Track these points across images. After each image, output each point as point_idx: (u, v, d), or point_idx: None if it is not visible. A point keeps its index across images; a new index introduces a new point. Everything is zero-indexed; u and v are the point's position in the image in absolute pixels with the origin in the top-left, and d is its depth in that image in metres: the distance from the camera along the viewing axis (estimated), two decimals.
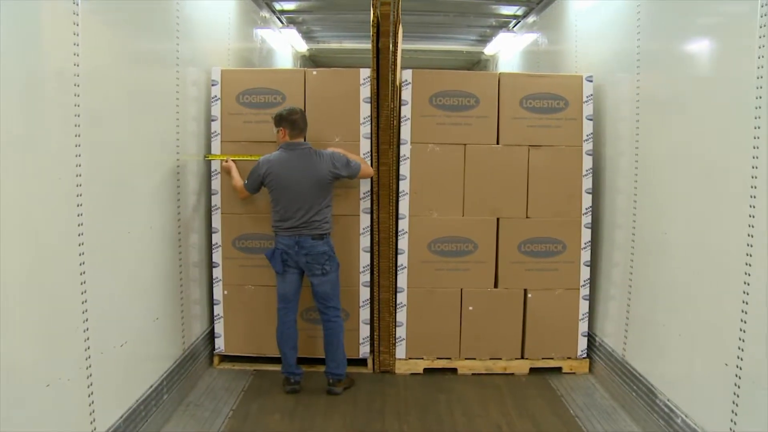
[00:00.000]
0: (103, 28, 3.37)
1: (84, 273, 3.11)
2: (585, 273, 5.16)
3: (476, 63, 11.84)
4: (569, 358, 5.20)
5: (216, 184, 5.08)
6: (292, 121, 4.60)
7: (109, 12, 3.43)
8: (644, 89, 4.42)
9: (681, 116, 3.91)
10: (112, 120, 3.47)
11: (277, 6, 7.92)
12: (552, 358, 5.22)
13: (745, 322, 3.13)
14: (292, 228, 4.59)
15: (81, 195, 3.07)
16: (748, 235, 3.10)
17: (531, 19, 7.80)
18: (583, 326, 5.18)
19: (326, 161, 4.60)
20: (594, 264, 5.19)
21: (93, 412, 3.18)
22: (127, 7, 3.67)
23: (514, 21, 8.46)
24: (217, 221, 5.11)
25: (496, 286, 5.16)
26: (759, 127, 3.03)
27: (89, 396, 3.16)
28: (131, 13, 3.73)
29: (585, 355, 5.21)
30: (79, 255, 3.08)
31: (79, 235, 3.07)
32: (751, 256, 3.09)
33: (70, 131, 3.00)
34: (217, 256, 5.13)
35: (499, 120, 5.07)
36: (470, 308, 5.15)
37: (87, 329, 3.13)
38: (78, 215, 3.06)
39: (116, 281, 3.53)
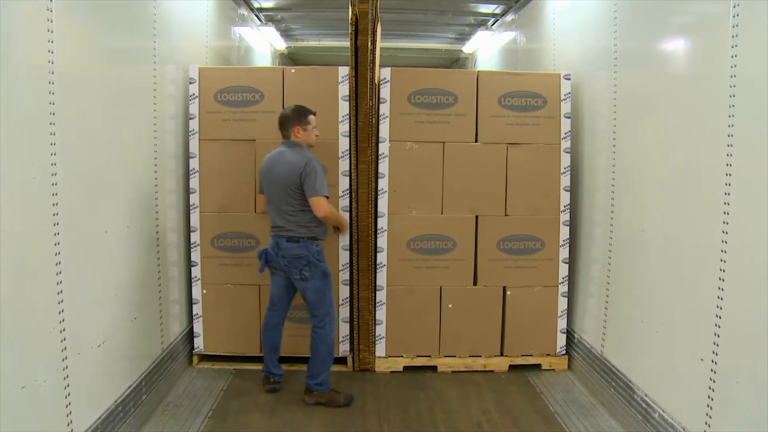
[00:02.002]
0: (78, 24, 3.33)
1: (60, 273, 3.07)
2: (563, 270, 5.19)
3: (455, 61, 11.86)
4: (548, 354, 5.23)
5: (194, 182, 5.05)
6: (278, 120, 4.55)
7: (84, 9, 3.39)
8: (621, 87, 4.46)
9: (657, 114, 3.95)
10: (89, 118, 3.43)
11: (256, 3, 7.89)
12: (531, 355, 5.25)
13: (720, 318, 3.17)
14: (273, 228, 4.54)
15: (57, 194, 3.04)
16: (723, 232, 3.13)
17: (509, 17, 7.83)
18: (561, 323, 5.22)
19: (300, 165, 4.34)
20: (572, 261, 5.22)
21: (70, 413, 3.15)
22: (103, 4, 3.63)
23: (492, 19, 8.49)
24: (195, 220, 5.08)
25: (475, 283, 5.18)
26: (732, 125, 3.06)
27: (66, 397, 3.13)
28: (107, 11, 3.69)
29: (564, 352, 5.25)
30: (55, 255, 3.05)
31: (55, 234, 3.04)
32: (725, 252, 3.13)
33: (44, 129, 2.97)
34: (195, 255, 5.10)
35: (478, 118, 5.09)
36: (450, 306, 5.17)
37: (63, 330, 3.10)
38: (54, 215, 3.03)
39: (93, 281, 3.50)
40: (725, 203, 3.12)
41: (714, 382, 3.21)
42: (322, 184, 4.36)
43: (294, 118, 4.49)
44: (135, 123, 4.18)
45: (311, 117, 4.51)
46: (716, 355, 3.19)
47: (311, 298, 4.53)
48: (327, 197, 4.38)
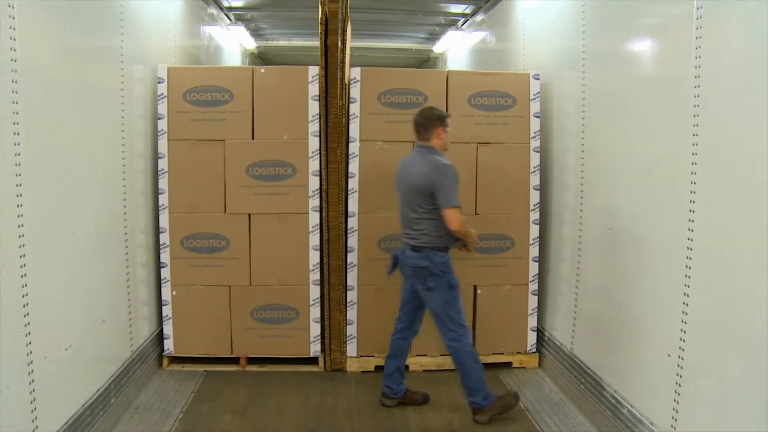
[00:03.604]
0: (42, 24, 3.28)
1: (25, 276, 3.02)
2: (534, 268, 5.23)
3: (425, 61, 11.88)
4: (519, 353, 5.27)
5: (163, 183, 5.00)
6: (417, 121, 4.30)
7: (47, 8, 3.33)
8: (589, 87, 4.50)
9: (625, 114, 3.99)
10: (54, 118, 3.38)
11: (225, 2, 7.83)
12: (502, 353, 5.28)
13: (686, 314, 3.21)
14: (403, 233, 4.37)
15: (21, 195, 2.99)
16: (689, 230, 3.18)
17: (479, 17, 7.87)
18: (532, 321, 5.26)
19: (432, 169, 4.10)
20: (542, 260, 5.26)
21: (35, 419, 3.10)
22: (67, 3, 3.58)
23: (462, 19, 8.52)
24: (164, 221, 5.03)
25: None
26: (697, 125, 3.11)
27: (31, 402, 3.08)
28: (71, 10, 3.63)
29: (534, 350, 5.29)
30: (20, 257, 2.99)
31: (19, 236, 2.99)
32: (691, 249, 3.17)
33: (7, 128, 2.91)
34: (165, 256, 5.05)
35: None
36: None
37: (29, 333, 3.05)
38: (18, 216, 2.98)
39: (60, 283, 3.45)
40: (691, 201, 3.16)
41: (681, 377, 3.26)
42: (456, 194, 4.11)
43: (437, 119, 4.25)
44: (102, 123, 4.13)
45: (448, 119, 4.31)
46: (683, 351, 3.24)
47: (436, 310, 4.29)
48: (459, 208, 4.13)
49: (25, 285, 3.03)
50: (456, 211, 4.08)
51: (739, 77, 2.87)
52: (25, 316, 3.03)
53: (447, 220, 4.10)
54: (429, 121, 4.24)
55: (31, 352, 3.07)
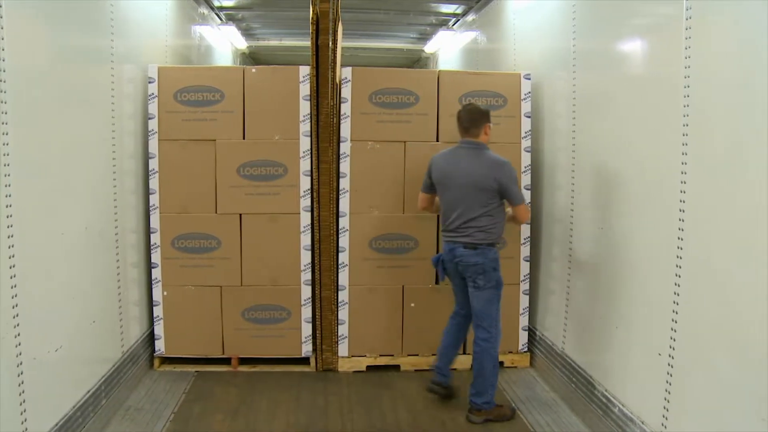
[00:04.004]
0: (30, 23, 3.26)
1: (14, 276, 3.01)
2: (525, 268, 5.24)
3: (416, 61, 11.89)
4: (510, 352, 5.27)
5: (154, 183, 4.99)
6: (457, 118, 4.33)
7: (36, 8, 3.32)
8: (580, 87, 4.51)
9: (615, 114, 4.01)
10: (44, 118, 3.37)
11: (216, 2, 7.82)
12: None
13: (676, 313, 3.23)
14: (448, 232, 4.33)
15: (10, 195, 2.98)
16: (679, 229, 3.19)
17: (470, 17, 7.88)
18: (523, 320, 5.27)
19: (491, 167, 4.16)
20: (534, 259, 5.27)
21: (25, 420, 3.09)
22: (56, 2, 3.56)
23: (453, 19, 8.53)
24: (155, 221, 5.02)
25: (437, 282, 5.20)
26: (687, 125, 3.12)
27: (21, 404, 3.06)
28: (61, 9, 3.62)
29: (526, 349, 5.30)
30: (9, 258, 2.98)
31: (8, 237, 2.97)
32: (681, 249, 3.18)
33: None
34: (156, 257, 5.04)
35: (439, 117, 5.11)
36: (412, 305, 5.18)
37: (18, 335, 3.04)
38: (7, 216, 2.97)
39: (50, 284, 3.44)
40: (681, 201, 3.17)
41: (671, 376, 3.27)
42: (521, 189, 4.24)
43: (486, 115, 4.30)
44: (92, 123, 4.11)
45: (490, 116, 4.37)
46: (673, 350, 3.25)
47: (479, 308, 4.27)
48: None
49: (15, 286, 3.02)
50: (527, 207, 4.35)
51: (728, 77, 2.88)
52: (14, 317, 3.02)
53: (519, 215, 4.27)
54: (479, 116, 4.27)
55: (20, 353, 3.06)
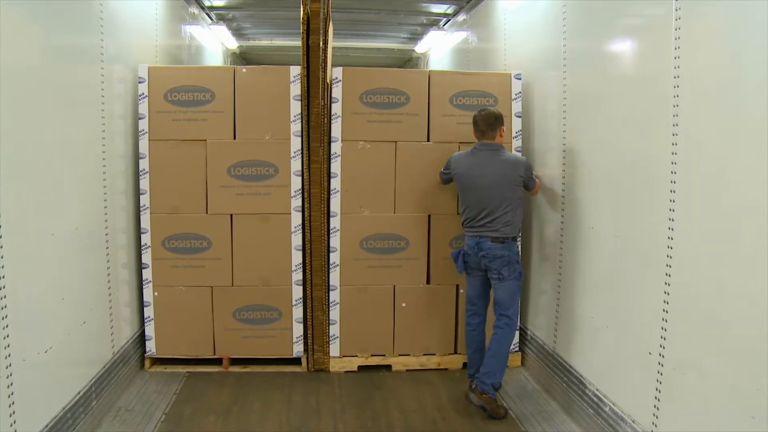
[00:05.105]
0: (18, 21, 3.24)
1: (3, 277, 3.00)
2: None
3: (407, 61, 11.90)
4: None
5: (144, 183, 4.97)
6: (473, 122, 4.57)
7: (25, 7, 3.30)
8: (570, 87, 4.53)
9: (605, 114, 4.02)
10: (33, 118, 3.35)
11: (207, 2, 7.79)
12: None
13: (666, 312, 3.24)
14: (473, 228, 4.54)
15: None
16: (669, 228, 3.20)
17: (461, 17, 7.89)
18: None
19: (514, 165, 4.51)
20: (525, 259, 5.27)
21: (14, 423, 3.07)
22: (46, 1, 3.55)
23: (444, 19, 8.54)
24: (146, 221, 5.00)
25: (428, 282, 5.21)
26: (677, 124, 3.13)
27: (10, 406, 3.05)
28: (50, 8, 3.60)
29: (517, 349, 5.30)
30: None
31: None
32: (671, 248, 3.19)
33: None
34: (146, 257, 5.03)
35: (430, 117, 5.11)
36: (403, 305, 5.19)
37: (7, 336, 3.02)
38: None
39: (40, 285, 3.42)
40: (671, 200, 3.19)
41: (661, 375, 3.28)
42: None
43: (500, 118, 4.54)
44: (82, 123, 4.10)
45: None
46: (663, 348, 3.26)
47: (503, 298, 4.50)
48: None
49: (4, 287, 3.00)
50: (539, 183, 4.81)
51: (717, 77, 2.89)
52: (3, 318, 3.00)
53: (536, 192, 4.86)
54: (494, 120, 4.53)
55: (9, 355, 3.04)
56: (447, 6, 8.02)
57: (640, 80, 3.62)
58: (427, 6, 8.20)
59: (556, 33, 4.71)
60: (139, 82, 4.95)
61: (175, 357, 5.14)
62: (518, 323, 4.52)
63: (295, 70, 4.98)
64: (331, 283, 5.13)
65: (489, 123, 4.51)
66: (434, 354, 5.26)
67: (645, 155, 3.49)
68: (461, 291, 5.20)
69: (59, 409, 3.59)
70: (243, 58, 11.51)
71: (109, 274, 4.46)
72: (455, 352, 5.26)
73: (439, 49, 9.63)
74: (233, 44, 9.87)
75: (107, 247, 4.43)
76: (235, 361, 5.18)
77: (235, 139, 5.01)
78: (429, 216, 5.16)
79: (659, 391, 3.30)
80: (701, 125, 2.99)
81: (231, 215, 5.05)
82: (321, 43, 4.73)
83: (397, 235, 5.15)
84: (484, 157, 4.51)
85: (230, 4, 8.14)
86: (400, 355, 5.24)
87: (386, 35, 10.14)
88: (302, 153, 4.99)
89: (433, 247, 5.18)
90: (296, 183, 5.03)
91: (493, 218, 4.46)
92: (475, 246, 4.52)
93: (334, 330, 5.18)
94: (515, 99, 5.18)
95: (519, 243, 4.68)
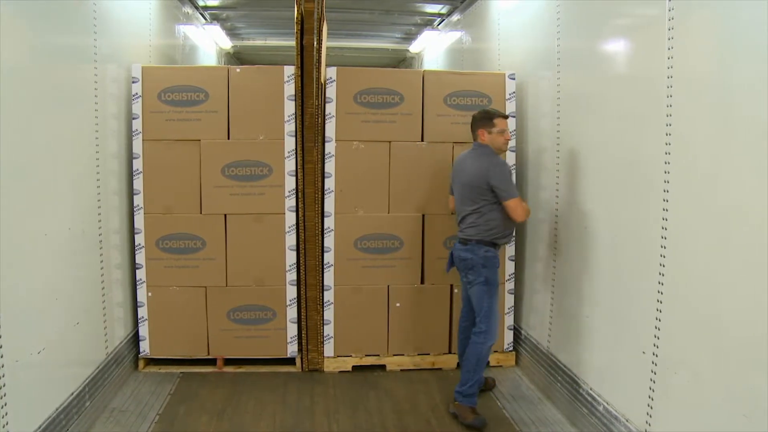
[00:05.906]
0: (10, 20, 3.22)
1: None
2: (510, 267, 5.25)
3: (402, 61, 11.90)
4: (496, 351, 5.28)
5: (138, 183, 4.96)
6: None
7: (17, 6, 3.28)
8: (564, 87, 4.53)
9: (599, 113, 4.03)
10: (25, 117, 3.34)
11: (201, 2, 7.79)
12: None
13: (660, 311, 3.25)
14: (459, 228, 4.49)
15: None
16: (662, 228, 3.21)
17: (455, 17, 7.89)
18: (509, 320, 5.28)
19: (484, 170, 4.25)
20: (519, 259, 5.29)
21: (6, 424, 3.06)
22: (38, 1, 3.54)
23: (438, 19, 8.55)
24: (139, 222, 4.99)
25: (422, 282, 5.21)
26: (670, 125, 3.14)
27: (2, 407, 3.04)
28: (42, 8, 3.58)
29: (511, 348, 5.31)
30: None
31: None
32: (665, 248, 3.20)
33: None
34: (140, 258, 5.01)
35: (424, 117, 5.11)
36: (397, 305, 5.19)
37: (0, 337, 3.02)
38: None
39: (32, 285, 3.41)
40: (664, 200, 3.19)
41: (655, 374, 3.29)
42: (512, 185, 4.31)
43: (479, 120, 4.43)
44: (75, 123, 4.08)
45: (498, 120, 4.38)
46: (657, 347, 3.27)
47: (474, 302, 4.41)
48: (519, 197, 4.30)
49: None
50: (516, 202, 4.25)
51: (710, 77, 2.90)
52: None
53: (509, 210, 4.27)
54: (474, 121, 4.47)
55: (1, 356, 3.03)
56: (441, 6, 8.02)
57: (633, 80, 3.62)
58: (421, 6, 8.21)
59: (549, 33, 4.71)
60: (133, 82, 4.94)
61: (169, 357, 5.13)
62: (494, 333, 4.33)
63: (289, 70, 4.98)
64: (325, 283, 5.13)
65: (472, 124, 4.48)
66: (428, 354, 5.26)
67: (638, 155, 3.50)
68: (455, 291, 5.21)
69: (52, 410, 3.58)
70: (237, 57, 11.50)
71: (102, 275, 4.45)
72: (449, 352, 5.26)
73: (433, 49, 9.63)
74: (227, 44, 9.87)
75: (101, 248, 4.42)
76: (229, 362, 5.17)
77: (229, 139, 5.00)
78: (423, 216, 5.16)
79: (653, 390, 3.31)
80: (694, 125, 2.99)
81: (225, 215, 5.05)
82: (315, 42, 4.73)
83: (391, 235, 5.15)
84: (466, 158, 4.47)
85: (224, 3, 8.14)
86: (394, 354, 5.24)
87: (380, 35, 10.14)
88: (296, 153, 4.98)
89: (427, 247, 5.19)
90: (290, 183, 5.03)
91: (460, 218, 4.44)
92: (454, 248, 4.54)
93: (329, 330, 5.17)
94: (509, 99, 5.18)
95: (500, 248, 4.51)
